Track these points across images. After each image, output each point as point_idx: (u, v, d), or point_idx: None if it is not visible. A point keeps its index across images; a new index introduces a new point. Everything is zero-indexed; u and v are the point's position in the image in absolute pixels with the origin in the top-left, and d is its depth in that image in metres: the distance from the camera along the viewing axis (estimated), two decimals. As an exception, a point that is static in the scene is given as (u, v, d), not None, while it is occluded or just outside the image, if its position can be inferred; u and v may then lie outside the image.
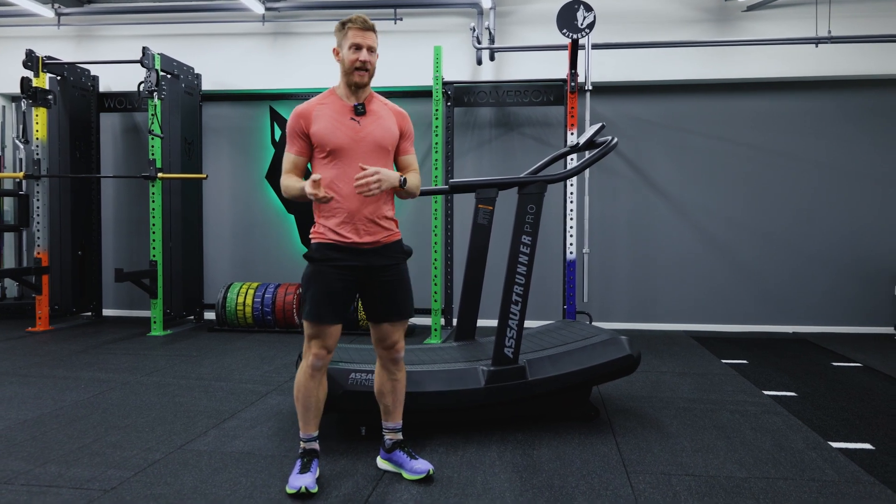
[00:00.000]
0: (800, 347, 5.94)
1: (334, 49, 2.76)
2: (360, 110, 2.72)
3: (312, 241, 2.77)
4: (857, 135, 6.78)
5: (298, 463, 2.78)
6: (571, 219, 5.96)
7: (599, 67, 6.63)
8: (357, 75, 2.68)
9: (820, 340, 6.25)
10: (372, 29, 2.71)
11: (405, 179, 2.72)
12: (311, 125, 2.68)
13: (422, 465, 2.88)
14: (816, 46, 6.38)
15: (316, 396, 2.78)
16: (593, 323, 6.02)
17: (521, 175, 3.82)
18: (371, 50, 2.69)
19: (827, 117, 6.82)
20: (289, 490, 2.68)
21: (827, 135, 6.81)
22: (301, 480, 2.68)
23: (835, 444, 3.31)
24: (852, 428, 3.59)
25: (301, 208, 7.39)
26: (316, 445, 2.83)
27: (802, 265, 6.86)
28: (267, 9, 7.08)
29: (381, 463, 3.00)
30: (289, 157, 2.76)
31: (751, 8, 6.63)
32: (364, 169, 2.58)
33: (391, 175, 2.66)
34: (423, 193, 3.94)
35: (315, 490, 2.69)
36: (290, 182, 2.73)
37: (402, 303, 2.84)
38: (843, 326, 6.79)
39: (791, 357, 5.51)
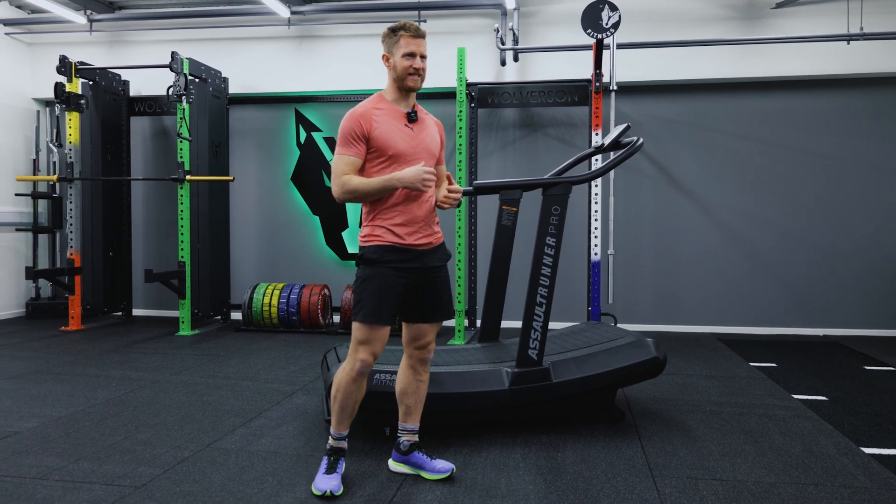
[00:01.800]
0: (830, 350, 5.84)
1: (384, 55, 2.78)
2: (413, 117, 2.76)
3: (369, 244, 2.71)
4: (888, 133, 6.64)
5: (325, 462, 2.79)
6: (596, 220, 5.92)
7: (624, 67, 6.58)
8: (410, 80, 2.71)
9: (852, 343, 6.13)
10: (423, 36, 2.75)
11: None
12: (372, 128, 2.67)
13: (444, 465, 2.89)
14: (848, 44, 6.28)
15: (355, 398, 2.77)
16: (618, 324, 5.97)
17: (546, 176, 3.80)
18: (424, 57, 2.74)
19: (857, 115, 6.69)
20: (315, 491, 2.69)
21: (857, 133, 6.69)
22: (327, 483, 2.69)
23: (867, 450, 3.24)
24: (886, 433, 3.52)
25: (327, 210, 7.44)
26: (344, 444, 2.84)
27: (833, 266, 6.74)
28: (292, 13, 7.13)
29: (395, 466, 2.98)
30: (346, 160, 2.67)
31: (780, 5, 6.53)
32: (452, 182, 2.80)
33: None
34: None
35: (340, 492, 2.69)
36: (358, 182, 2.64)
37: (447, 303, 2.88)
38: (876, 329, 6.65)
39: (821, 360, 5.41)
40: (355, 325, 2.70)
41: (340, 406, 2.77)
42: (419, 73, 2.73)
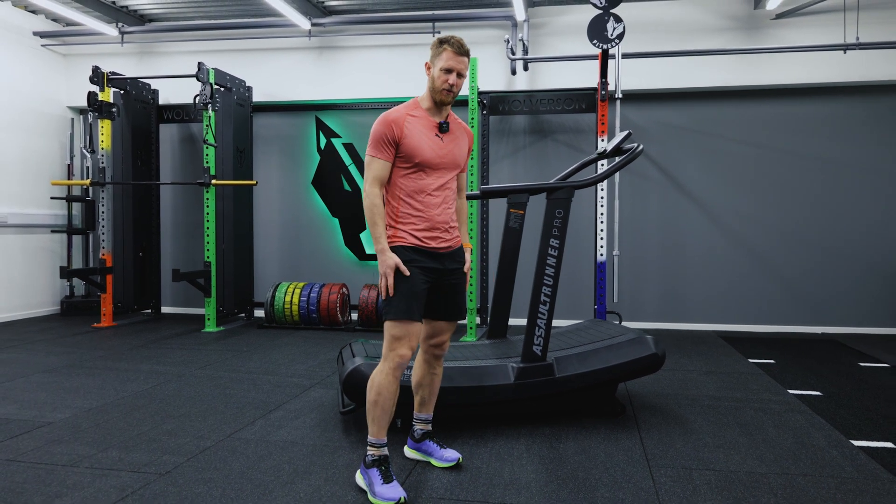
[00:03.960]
0: (828, 348, 5.82)
1: (426, 63, 2.76)
2: (444, 128, 2.74)
3: (393, 245, 2.69)
4: (884, 138, 6.61)
5: (377, 473, 2.63)
6: (602, 221, 5.94)
7: (630, 75, 6.59)
8: (442, 94, 2.70)
9: (848, 341, 6.11)
10: (466, 54, 2.72)
11: (470, 250, 2.97)
12: (403, 135, 2.65)
13: (451, 454, 2.94)
14: (845, 53, 6.25)
15: (394, 399, 2.68)
16: (623, 322, 5.99)
17: (551, 181, 3.84)
18: (461, 75, 2.70)
19: (854, 121, 6.67)
20: (382, 503, 2.54)
21: (853, 138, 6.66)
22: (394, 492, 2.56)
23: (856, 443, 3.25)
24: (875, 427, 3.52)
25: (346, 213, 7.52)
26: (387, 451, 2.70)
27: (831, 266, 6.71)
28: (313, 24, 7.21)
29: (409, 452, 3.06)
30: (378, 163, 2.67)
31: (780, 16, 6.52)
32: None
33: (469, 258, 2.95)
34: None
35: (407, 497, 2.58)
36: (378, 210, 2.65)
37: (461, 304, 2.89)
38: (873, 327, 6.62)
39: (818, 357, 5.40)
40: (389, 325, 2.66)
41: (383, 409, 2.66)
42: (452, 89, 2.70)
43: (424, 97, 2.78)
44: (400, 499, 2.54)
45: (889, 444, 3.23)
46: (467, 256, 2.92)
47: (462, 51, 2.70)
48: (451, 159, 2.76)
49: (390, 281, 2.63)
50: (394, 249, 2.69)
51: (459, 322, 6.82)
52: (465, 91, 6.58)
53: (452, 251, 2.80)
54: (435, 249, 2.72)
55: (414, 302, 2.66)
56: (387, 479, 2.61)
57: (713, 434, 3.40)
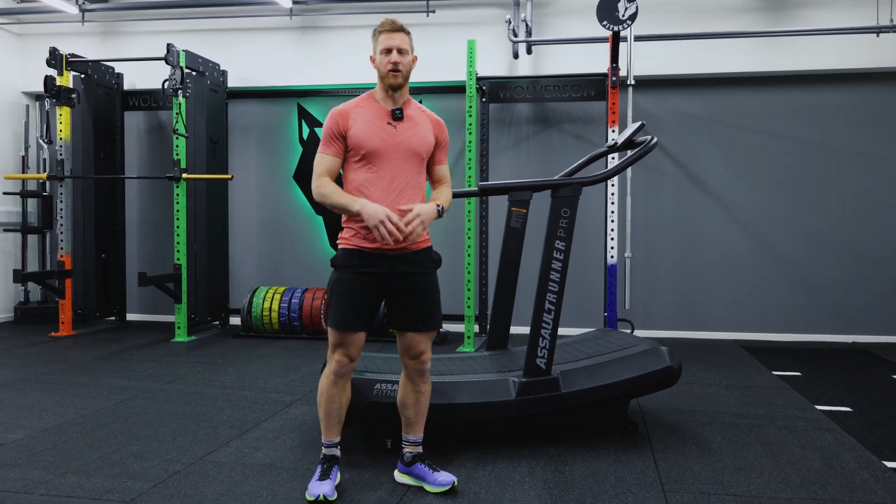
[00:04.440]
0: (859, 358, 5.85)
1: (371, 57, 2.89)
2: (397, 115, 2.82)
3: (339, 247, 2.85)
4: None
5: (318, 469, 2.90)
6: (612, 221, 5.94)
7: (643, 60, 6.59)
8: (391, 76, 2.79)
9: (881, 351, 6.13)
10: (401, 30, 2.82)
11: (442, 208, 2.86)
12: (348, 126, 2.78)
13: (445, 477, 2.94)
14: (877, 36, 6.27)
15: (338, 402, 2.89)
16: (636, 331, 5.99)
17: (556, 177, 3.84)
18: (402, 51, 2.79)
19: (888, 111, 6.69)
20: (308, 497, 2.79)
21: (888, 129, 6.68)
22: (319, 488, 2.78)
23: (890, 464, 3.26)
24: (911, 447, 3.55)
25: (330, 211, 7.50)
26: (337, 451, 2.94)
27: (863, 270, 6.73)
28: (294, 2, 7.20)
29: (400, 477, 3.06)
30: (325, 159, 2.82)
31: (806, -5, 6.55)
32: (406, 212, 2.71)
33: (429, 210, 2.77)
34: (453, 196, 4.00)
35: (333, 497, 2.78)
36: (330, 190, 2.77)
37: (428, 313, 2.90)
38: (909, 336, 6.66)
39: (848, 369, 5.43)
40: (329, 330, 2.84)
41: (325, 411, 2.90)
42: (398, 67, 2.78)
43: (377, 88, 2.89)
44: (319, 496, 2.75)
45: (926, 467, 3.25)
46: (425, 207, 2.75)
47: (395, 27, 2.82)
48: (406, 148, 2.81)
49: (395, 220, 2.63)
50: (339, 252, 2.83)
51: (455, 330, 6.88)
52: (461, 76, 6.57)
53: (409, 253, 2.81)
54: (382, 250, 2.76)
55: (350, 308, 2.79)
56: (322, 477, 2.85)
57: (733, 455, 3.41)
